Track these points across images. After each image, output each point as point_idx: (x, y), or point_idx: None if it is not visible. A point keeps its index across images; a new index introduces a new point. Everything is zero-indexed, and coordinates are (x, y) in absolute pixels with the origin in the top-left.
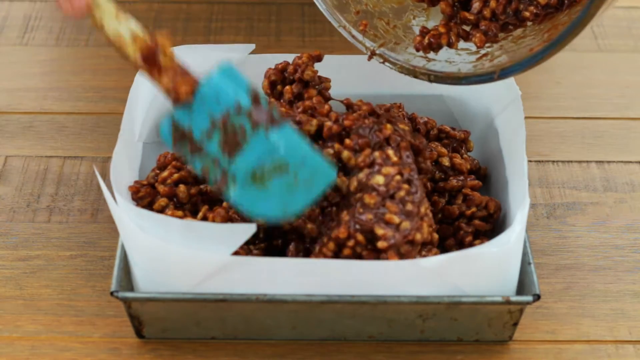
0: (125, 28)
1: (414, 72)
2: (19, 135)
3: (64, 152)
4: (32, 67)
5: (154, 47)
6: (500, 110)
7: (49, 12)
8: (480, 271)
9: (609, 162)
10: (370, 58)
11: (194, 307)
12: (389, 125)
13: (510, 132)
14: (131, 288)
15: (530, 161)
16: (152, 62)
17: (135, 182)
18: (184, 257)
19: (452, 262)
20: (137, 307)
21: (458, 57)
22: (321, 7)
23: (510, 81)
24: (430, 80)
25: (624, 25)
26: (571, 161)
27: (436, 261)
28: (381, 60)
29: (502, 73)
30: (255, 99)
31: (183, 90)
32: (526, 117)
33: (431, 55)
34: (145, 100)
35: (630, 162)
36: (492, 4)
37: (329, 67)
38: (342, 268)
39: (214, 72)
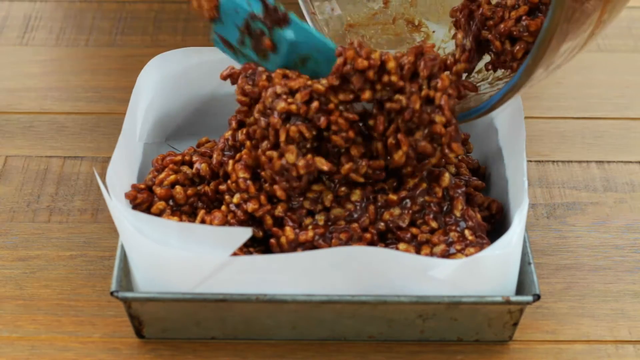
0: None
1: None
2: (19, 135)
3: (64, 152)
4: (32, 67)
5: None
6: (500, 109)
7: (49, 12)
8: (483, 274)
9: (609, 162)
10: None
11: (194, 307)
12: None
13: (510, 132)
14: (131, 289)
15: (530, 161)
16: None
17: (133, 186)
18: (182, 259)
19: (459, 269)
20: (137, 307)
21: None
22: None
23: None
24: None
25: (624, 25)
26: (571, 161)
27: (444, 271)
28: None
29: (461, 116)
30: (263, 1)
31: (207, 7)
32: (526, 117)
33: None
34: (146, 100)
35: (630, 162)
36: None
37: None
38: (346, 259)
39: None
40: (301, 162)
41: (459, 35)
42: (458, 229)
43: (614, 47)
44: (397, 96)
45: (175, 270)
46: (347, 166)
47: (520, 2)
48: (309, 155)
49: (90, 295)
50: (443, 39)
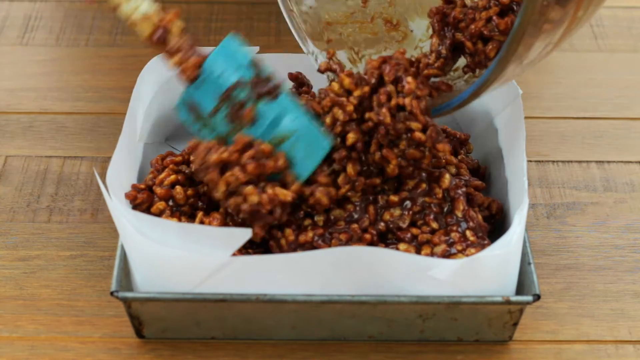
0: (136, 8)
1: None
2: (19, 135)
3: (64, 152)
4: (32, 67)
5: (162, 28)
6: (500, 109)
7: (49, 12)
8: (483, 274)
9: (609, 162)
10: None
11: (194, 307)
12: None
13: (510, 132)
14: (131, 289)
15: (530, 161)
16: (161, 42)
17: (133, 186)
18: (182, 259)
19: (459, 269)
20: (137, 307)
21: None
22: (295, 33)
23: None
24: None
25: (624, 25)
26: (571, 161)
27: (444, 271)
28: None
29: (433, 111)
30: (256, 71)
31: (190, 69)
32: (526, 117)
33: None
34: (146, 100)
35: (630, 162)
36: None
37: None
38: (346, 258)
39: (217, 49)
40: (264, 198)
41: (434, 40)
42: (459, 229)
43: (614, 47)
44: (367, 114)
45: (175, 270)
46: (344, 189)
47: (492, 3)
48: (269, 190)
49: (90, 295)
50: (421, 38)
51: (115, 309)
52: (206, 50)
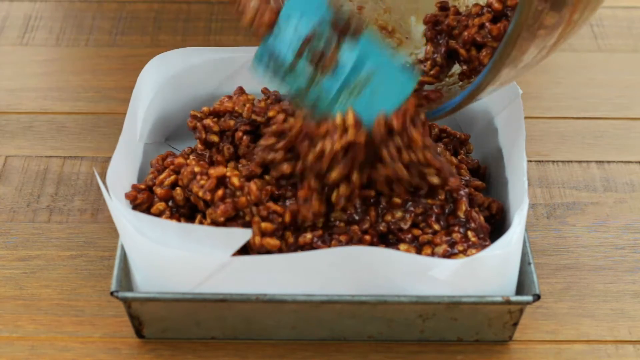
0: None
1: None
2: (19, 135)
3: (64, 152)
4: (32, 67)
5: None
6: (500, 109)
7: (49, 12)
8: (483, 274)
9: (609, 162)
10: None
11: (194, 307)
12: None
13: (510, 132)
14: (131, 289)
15: (530, 161)
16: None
17: (133, 186)
18: (182, 260)
19: (459, 269)
20: (137, 307)
21: None
22: None
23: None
24: None
25: (624, 25)
26: (571, 161)
27: (444, 271)
28: None
29: (429, 114)
30: (335, 11)
31: (267, 18)
32: (526, 117)
33: None
34: (146, 100)
35: (630, 162)
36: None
37: None
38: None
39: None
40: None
41: (429, 48)
42: (461, 230)
43: (614, 47)
44: (382, 170)
45: (175, 270)
46: (339, 208)
47: (485, 10)
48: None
49: (90, 295)
50: (416, 45)
51: (115, 309)
52: None
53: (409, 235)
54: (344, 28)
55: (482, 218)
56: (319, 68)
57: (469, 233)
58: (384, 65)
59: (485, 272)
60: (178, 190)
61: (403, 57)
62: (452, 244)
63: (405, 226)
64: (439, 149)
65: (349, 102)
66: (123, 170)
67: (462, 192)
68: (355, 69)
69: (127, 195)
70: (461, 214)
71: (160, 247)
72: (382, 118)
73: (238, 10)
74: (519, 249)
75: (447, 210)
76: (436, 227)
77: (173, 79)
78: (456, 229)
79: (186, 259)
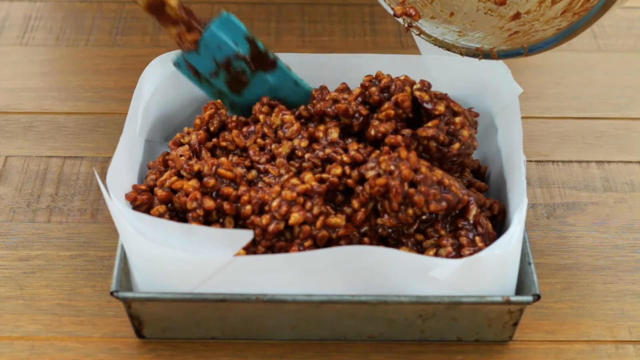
0: None
1: (447, 46)
2: (19, 135)
3: (64, 152)
4: (32, 67)
5: (159, 1)
6: (499, 110)
7: (49, 12)
8: (483, 274)
9: (609, 162)
10: (407, 30)
11: (194, 307)
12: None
13: (508, 131)
14: (131, 289)
15: (530, 161)
16: (158, 12)
17: (134, 186)
18: (183, 261)
19: (459, 269)
20: (137, 307)
21: (491, 36)
22: None
23: (510, 81)
24: (461, 54)
25: (624, 25)
26: (571, 161)
27: (444, 271)
28: (417, 33)
29: (531, 49)
30: (252, 44)
31: (189, 40)
32: (526, 117)
33: (465, 30)
34: (147, 100)
35: (630, 162)
36: None
37: (329, 67)
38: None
39: (215, 22)
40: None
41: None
42: (469, 234)
43: (614, 47)
44: (380, 220)
45: (175, 271)
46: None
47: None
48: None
49: (90, 295)
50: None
51: (115, 309)
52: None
53: (412, 240)
54: (260, 60)
55: (490, 225)
56: (232, 87)
57: (477, 238)
58: (295, 89)
59: (485, 272)
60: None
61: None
62: (459, 247)
63: (409, 231)
64: (445, 179)
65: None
66: (123, 170)
67: (471, 199)
68: (271, 92)
69: (127, 196)
70: (470, 218)
71: (161, 248)
72: (381, 180)
73: (164, 21)
74: (518, 248)
75: (454, 213)
76: (442, 232)
77: (174, 79)
78: (463, 232)
79: (186, 260)
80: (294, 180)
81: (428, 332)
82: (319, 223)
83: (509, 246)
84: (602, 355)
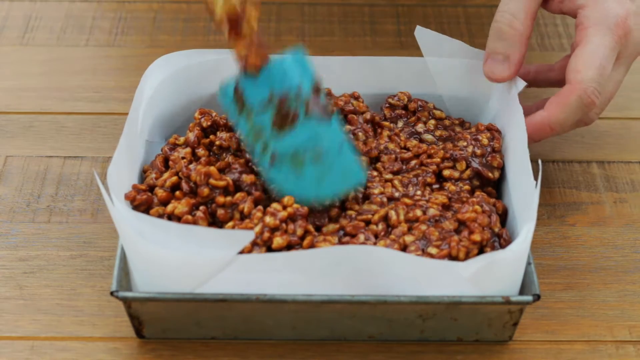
0: None
1: None
2: (19, 135)
3: (64, 152)
4: (32, 67)
5: (240, 14)
6: (500, 109)
7: (49, 12)
8: (499, 274)
9: (609, 162)
10: None
11: (194, 307)
12: None
13: (510, 130)
14: (131, 289)
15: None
16: (234, 26)
17: (134, 186)
18: (183, 261)
19: (484, 267)
20: (137, 307)
21: None
22: None
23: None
24: None
25: None
26: (571, 161)
27: (472, 267)
28: None
29: None
30: (316, 90)
31: (253, 62)
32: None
33: None
34: (148, 101)
35: (631, 162)
36: None
37: (329, 67)
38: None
39: (287, 55)
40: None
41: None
42: (496, 244)
43: None
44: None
45: (175, 273)
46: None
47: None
48: None
49: (90, 295)
50: None
51: (115, 309)
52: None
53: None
54: (317, 105)
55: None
56: (277, 126)
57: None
58: (342, 150)
59: (501, 272)
60: (178, 194)
61: (358, 155)
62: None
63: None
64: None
65: (285, 172)
66: (124, 171)
67: (493, 215)
68: (312, 140)
69: (126, 196)
70: (496, 229)
71: (161, 249)
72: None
73: (237, 36)
74: (527, 248)
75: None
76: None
77: (175, 80)
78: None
79: (186, 261)
80: (276, 205)
81: (428, 332)
82: (306, 243)
83: (524, 243)
84: (602, 355)
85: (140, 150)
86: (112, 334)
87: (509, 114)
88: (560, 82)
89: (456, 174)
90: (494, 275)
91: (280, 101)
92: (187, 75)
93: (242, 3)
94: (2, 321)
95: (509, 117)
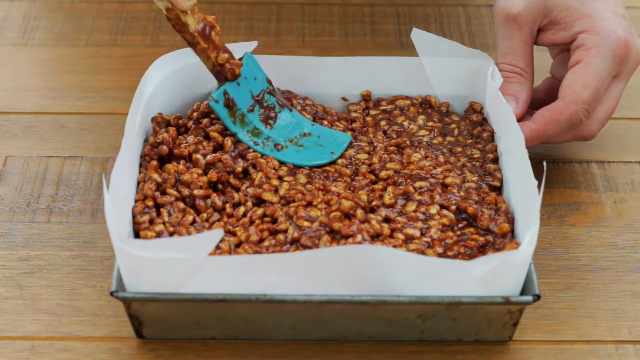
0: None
1: None
2: (19, 135)
3: (64, 152)
4: (32, 67)
5: (210, 22)
6: (496, 109)
7: (49, 12)
8: (509, 274)
9: (609, 162)
10: None
11: (194, 307)
12: None
13: (507, 130)
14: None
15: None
16: (206, 37)
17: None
18: (163, 263)
19: (494, 267)
20: (137, 307)
21: None
22: None
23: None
24: None
25: None
26: (571, 161)
27: (482, 266)
28: None
29: None
30: (270, 84)
31: (235, 66)
32: None
33: None
34: (148, 100)
35: (630, 162)
36: None
37: (329, 67)
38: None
39: (246, 58)
40: None
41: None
42: (498, 246)
43: None
44: None
45: (170, 273)
46: None
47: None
48: None
49: (90, 295)
50: None
51: (115, 309)
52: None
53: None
54: (282, 99)
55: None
56: (267, 121)
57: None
58: (316, 128)
59: (510, 271)
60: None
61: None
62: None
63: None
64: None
65: (292, 149)
66: (124, 170)
67: (500, 220)
68: (297, 127)
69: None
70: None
71: (150, 253)
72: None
73: (209, 47)
74: (530, 251)
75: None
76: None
77: (175, 80)
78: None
79: (175, 261)
80: (260, 212)
81: (428, 332)
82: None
83: (532, 244)
84: (602, 355)
85: (140, 150)
86: (112, 334)
87: (504, 112)
88: (545, 103)
89: (458, 181)
90: (504, 275)
91: (259, 101)
92: (187, 75)
93: (205, 16)
94: (2, 321)
95: (504, 116)
